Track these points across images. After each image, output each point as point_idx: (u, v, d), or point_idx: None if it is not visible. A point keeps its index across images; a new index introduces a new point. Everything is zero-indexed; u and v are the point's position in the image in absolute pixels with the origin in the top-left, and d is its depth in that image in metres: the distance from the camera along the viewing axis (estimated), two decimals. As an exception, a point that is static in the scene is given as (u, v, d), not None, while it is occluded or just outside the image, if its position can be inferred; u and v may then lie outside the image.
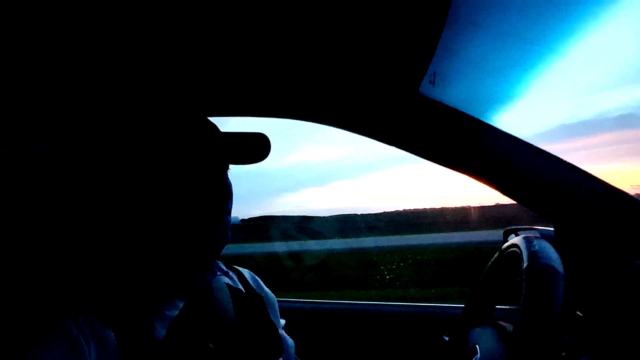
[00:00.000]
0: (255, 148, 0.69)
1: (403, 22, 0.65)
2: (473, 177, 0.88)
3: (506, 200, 0.86)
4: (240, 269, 0.85)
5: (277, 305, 0.85)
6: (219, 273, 0.77)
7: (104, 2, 0.60)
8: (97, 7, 0.60)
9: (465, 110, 0.86)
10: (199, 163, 0.61)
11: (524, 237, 0.71)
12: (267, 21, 0.65)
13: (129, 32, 0.67)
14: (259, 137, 0.69)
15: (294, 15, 0.64)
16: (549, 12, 0.78)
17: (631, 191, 0.79)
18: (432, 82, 0.80)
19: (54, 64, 0.75)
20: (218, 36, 0.69)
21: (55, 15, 0.61)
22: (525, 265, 0.63)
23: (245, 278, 0.82)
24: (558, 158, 0.81)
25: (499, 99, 0.99)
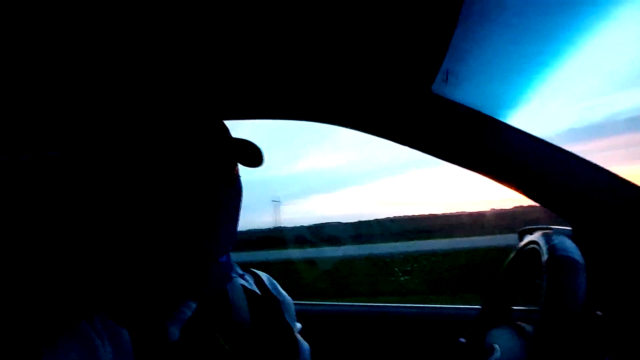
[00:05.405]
0: (247, 156, 0.64)
1: (415, 19, 0.65)
2: (487, 176, 0.87)
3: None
4: (258, 272, 0.84)
5: (293, 309, 0.84)
6: (235, 275, 0.77)
7: (116, 6, 0.61)
8: (109, 11, 0.62)
9: (478, 109, 0.85)
10: (206, 164, 0.61)
11: (542, 234, 0.71)
12: (279, 21, 0.66)
13: (139, 34, 0.68)
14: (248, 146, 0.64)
15: (307, 14, 0.64)
16: (562, 10, 0.77)
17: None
18: (445, 81, 0.80)
19: (66, 65, 0.76)
20: (228, 34, 0.70)
21: (66, 17, 0.63)
22: (545, 258, 0.63)
23: (263, 281, 0.82)
24: (574, 155, 0.80)
25: (511, 98, 0.98)
